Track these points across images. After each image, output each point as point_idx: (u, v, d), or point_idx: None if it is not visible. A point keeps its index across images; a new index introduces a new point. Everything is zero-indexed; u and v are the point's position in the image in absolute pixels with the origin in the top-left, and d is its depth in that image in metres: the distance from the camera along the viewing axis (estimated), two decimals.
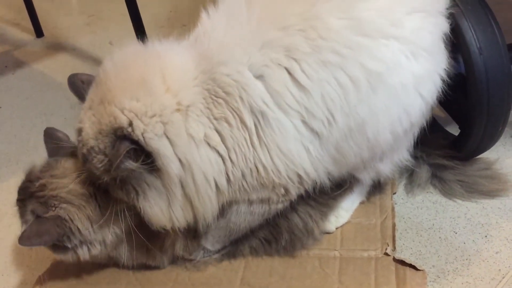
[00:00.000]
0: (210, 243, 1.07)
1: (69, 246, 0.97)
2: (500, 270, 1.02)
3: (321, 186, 0.99)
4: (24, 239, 0.92)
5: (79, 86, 0.95)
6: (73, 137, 0.98)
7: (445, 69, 0.98)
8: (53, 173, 0.98)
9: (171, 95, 0.87)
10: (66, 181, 0.97)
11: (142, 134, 0.85)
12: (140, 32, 1.64)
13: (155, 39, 0.97)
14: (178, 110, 0.87)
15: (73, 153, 1.01)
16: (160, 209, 0.91)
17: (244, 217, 1.01)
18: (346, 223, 1.13)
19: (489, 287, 0.99)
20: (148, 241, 1.01)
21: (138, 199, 0.90)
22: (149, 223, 0.93)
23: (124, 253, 1.02)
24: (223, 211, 0.99)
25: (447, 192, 1.19)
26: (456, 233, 1.11)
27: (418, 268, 1.01)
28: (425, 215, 1.16)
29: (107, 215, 0.95)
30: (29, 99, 1.72)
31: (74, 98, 0.99)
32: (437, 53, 0.96)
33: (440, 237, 1.10)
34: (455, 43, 1.04)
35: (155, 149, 0.85)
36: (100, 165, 0.88)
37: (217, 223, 1.02)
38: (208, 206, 0.93)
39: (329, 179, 0.99)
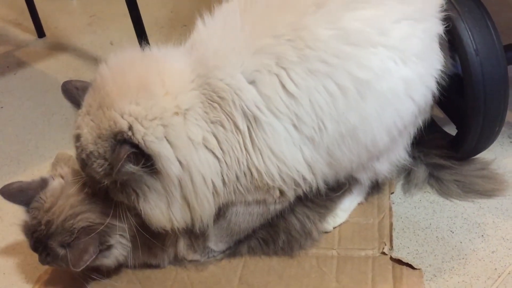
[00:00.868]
0: (214, 243, 1.07)
1: (113, 242, 0.99)
2: (496, 269, 1.03)
3: (318, 189, 1.00)
4: (77, 264, 0.94)
5: (73, 93, 0.96)
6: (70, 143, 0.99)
7: (440, 70, 0.99)
8: (45, 207, 1.00)
9: (170, 98, 0.88)
10: (62, 202, 0.99)
11: (143, 137, 0.86)
12: (140, 32, 1.65)
13: (153, 44, 0.98)
14: (177, 113, 0.88)
15: (43, 181, 1.03)
16: (160, 210, 0.92)
17: (243, 217, 1.02)
18: (344, 222, 1.14)
19: (485, 286, 1.00)
20: (150, 241, 1.02)
21: (139, 201, 0.91)
22: (150, 224, 0.94)
23: (130, 252, 1.03)
24: (219, 212, 1.00)
25: (444, 192, 1.19)
26: (453, 232, 1.12)
27: (415, 267, 1.02)
28: (422, 214, 1.16)
29: (112, 213, 0.96)
30: (31, 100, 1.72)
31: None
32: (429, 57, 0.97)
33: (437, 237, 1.11)
34: (452, 44, 1.05)
35: (155, 152, 0.86)
36: (100, 169, 0.89)
37: (218, 223, 1.03)
38: (206, 208, 0.94)
39: (325, 182, 1.01)
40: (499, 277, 1.02)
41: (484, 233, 1.11)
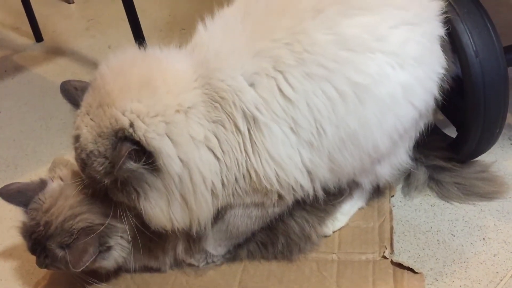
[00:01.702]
0: (212, 247, 1.07)
1: (112, 243, 0.98)
2: (498, 272, 1.02)
3: (316, 196, 1.00)
4: (76, 264, 0.94)
5: (72, 93, 0.96)
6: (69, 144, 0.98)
7: (441, 73, 0.98)
8: (44, 208, 0.99)
9: (172, 96, 0.89)
10: (61, 203, 0.99)
11: (144, 134, 0.86)
12: (138, 36, 1.65)
13: (154, 46, 0.98)
14: (179, 111, 0.88)
15: (42, 183, 1.03)
16: (160, 209, 0.92)
17: (242, 220, 1.02)
18: (344, 226, 1.13)
19: None
20: (150, 242, 1.02)
21: (139, 200, 0.91)
22: (150, 223, 0.94)
23: (131, 255, 1.03)
24: (218, 215, 0.99)
25: (444, 195, 1.19)
26: (454, 235, 1.11)
27: (416, 271, 1.01)
28: (423, 217, 1.16)
29: (112, 214, 0.96)
30: (28, 104, 1.72)
31: None
32: (428, 60, 0.96)
33: (438, 240, 1.10)
34: (452, 46, 1.05)
35: (156, 149, 0.86)
36: (100, 168, 0.88)
37: (216, 226, 1.03)
38: (204, 208, 0.93)
39: (327, 188, 1.00)
40: (501, 280, 1.01)
41: (486, 236, 1.10)
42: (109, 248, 0.99)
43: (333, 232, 1.12)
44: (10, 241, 1.20)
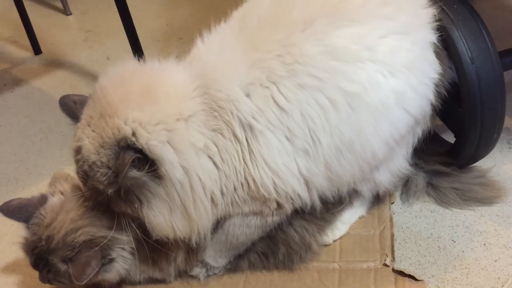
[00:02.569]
0: (213, 258, 1.07)
1: (114, 255, 0.99)
2: (499, 278, 1.02)
3: (313, 206, 1.00)
4: (80, 277, 0.94)
5: (71, 107, 0.97)
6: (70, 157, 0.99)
7: (435, 78, 0.99)
8: (45, 223, 0.99)
9: (173, 104, 0.90)
10: (62, 217, 0.99)
11: (146, 142, 0.86)
12: (136, 46, 1.65)
13: (152, 58, 1.00)
14: (179, 119, 0.89)
15: (42, 198, 1.03)
16: (163, 217, 0.92)
17: (241, 229, 1.02)
18: (345, 234, 1.13)
19: None
20: (154, 253, 1.02)
21: (142, 209, 0.91)
22: (153, 232, 0.94)
23: (135, 266, 1.03)
24: (217, 225, 1.00)
25: (442, 200, 1.19)
26: (454, 241, 1.11)
27: (418, 278, 1.01)
28: (424, 224, 1.16)
29: (115, 226, 0.96)
30: (28, 117, 1.72)
31: None
32: (420, 67, 0.97)
33: (439, 246, 1.10)
34: (447, 52, 1.05)
35: (159, 156, 0.87)
36: (104, 179, 0.88)
37: (216, 236, 1.03)
38: (203, 217, 0.94)
39: (325, 198, 1.01)
40: (502, 286, 1.01)
41: (486, 242, 1.10)
42: (111, 261, 0.99)
43: (334, 241, 1.13)
44: (13, 256, 1.20)
